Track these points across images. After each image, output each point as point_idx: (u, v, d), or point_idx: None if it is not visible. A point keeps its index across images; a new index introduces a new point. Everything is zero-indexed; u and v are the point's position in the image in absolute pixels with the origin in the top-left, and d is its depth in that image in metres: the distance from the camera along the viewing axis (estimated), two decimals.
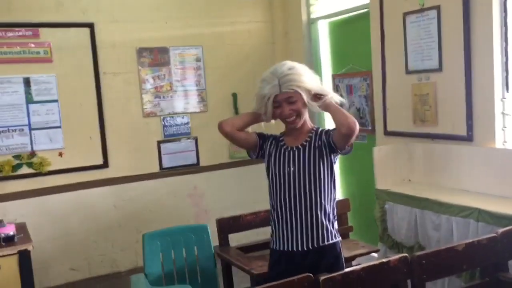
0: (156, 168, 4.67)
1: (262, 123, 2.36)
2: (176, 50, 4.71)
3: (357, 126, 2.09)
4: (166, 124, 4.70)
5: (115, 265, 4.51)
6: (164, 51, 4.66)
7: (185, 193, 4.79)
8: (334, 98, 2.21)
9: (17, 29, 4.05)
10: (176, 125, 4.75)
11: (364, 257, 3.19)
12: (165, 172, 4.70)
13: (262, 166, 4.77)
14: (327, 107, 2.18)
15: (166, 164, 4.71)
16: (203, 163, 4.86)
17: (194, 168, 4.83)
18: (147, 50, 4.59)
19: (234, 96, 4.90)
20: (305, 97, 2.16)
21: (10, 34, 4.02)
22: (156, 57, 4.63)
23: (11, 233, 2.81)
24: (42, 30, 4.14)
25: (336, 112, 2.15)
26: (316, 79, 2.24)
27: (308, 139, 2.25)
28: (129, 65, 4.53)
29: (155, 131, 4.66)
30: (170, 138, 4.72)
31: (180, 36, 4.71)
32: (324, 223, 2.21)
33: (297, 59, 2.34)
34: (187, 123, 4.79)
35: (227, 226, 3.18)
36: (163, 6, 4.63)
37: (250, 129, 2.36)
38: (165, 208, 4.68)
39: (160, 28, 4.63)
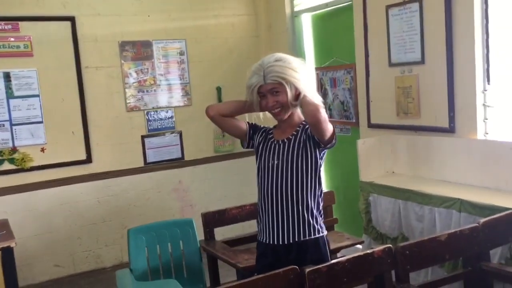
0: (140, 163, 4.65)
1: (260, 114, 2.32)
2: (159, 44, 4.67)
3: (320, 113, 2.04)
4: (150, 118, 4.67)
5: (100, 261, 4.48)
6: (147, 44, 4.61)
7: (170, 188, 4.77)
8: (314, 98, 2.13)
9: None
10: (160, 119, 4.72)
11: (349, 248, 3.21)
12: (149, 166, 4.68)
13: (247, 160, 4.84)
14: (302, 103, 2.16)
15: (150, 158, 4.68)
16: (187, 157, 4.84)
17: (178, 162, 4.81)
18: (130, 44, 4.54)
19: (219, 89, 4.88)
20: (288, 90, 2.13)
21: None
22: (139, 50, 4.59)
23: None
24: (22, 24, 4.08)
25: (306, 104, 2.11)
26: (304, 74, 2.19)
27: (295, 133, 2.23)
28: (112, 59, 4.48)
29: (139, 125, 4.63)
30: (154, 132, 4.69)
31: (163, 29, 4.67)
32: (306, 217, 2.20)
33: (281, 52, 2.31)
34: (171, 117, 4.76)
35: (212, 220, 3.17)
36: None
37: (247, 118, 2.35)
38: (150, 203, 4.67)
39: (143, 22, 4.59)
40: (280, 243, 2.21)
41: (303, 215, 2.20)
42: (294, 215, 2.19)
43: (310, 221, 2.21)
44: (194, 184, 4.87)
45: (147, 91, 4.64)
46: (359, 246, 3.42)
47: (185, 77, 4.79)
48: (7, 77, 4.03)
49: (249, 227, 3.53)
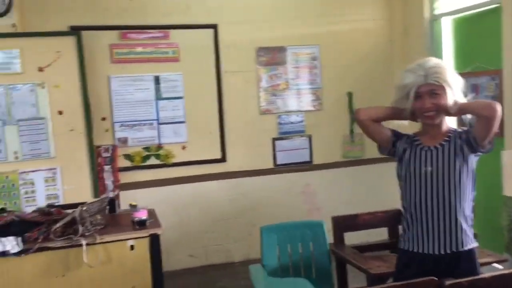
0: (270, 165, 4.81)
1: (405, 122, 2.30)
2: (293, 49, 4.80)
3: (497, 105, 2.01)
4: (281, 121, 4.81)
5: (230, 255, 4.72)
6: (281, 50, 4.77)
7: (297, 190, 4.87)
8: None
9: (150, 31, 4.41)
10: (291, 122, 4.84)
11: (485, 267, 3.00)
12: (279, 168, 4.82)
13: (377, 167, 4.77)
14: (461, 109, 2.12)
15: (280, 161, 4.83)
16: (316, 161, 4.91)
17: (307, 165, 4.89)
18: (265, 50, 4.73)
19: (350, 95, 4.88)
20: (448, 94, 2.10)
21: (144, 36, 4.39)
22: (273, 56, 4.76)
23: (144, 217, 3.07)
24: (171, 32, 4.46)
25: (471, 103, 2.13)
26: (460, 82, 2.17)
27: (447, 138, 2.17)
28: (248, 64, 4.71)
29: (270, 128, 4.79)
30: (284, 135, 4.83)
31: (297, 35, 4.79)
32: (462, 226, 2.12)
33: (417, 58, 2.27)
34: (302, 121, 4.86)
35: (343, 224, 3.19)
36: (281, 6, 4.75)
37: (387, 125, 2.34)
38: (278, 204, 4.80)
39: (278, 28, 4.75)
40: (431, 253, 2.15)
41: (460, 224, 2.12)
42: (452, 224, 2.12)
43: (466, 230, 2.13)
44: (321, 188, 4.91)
45: (279, 95, 4.79)
46: (497, 265, 3.18)
47: (317, 82, 4.86)
48: (157, 80, 4.45)
49: (376, 235, 3.49)
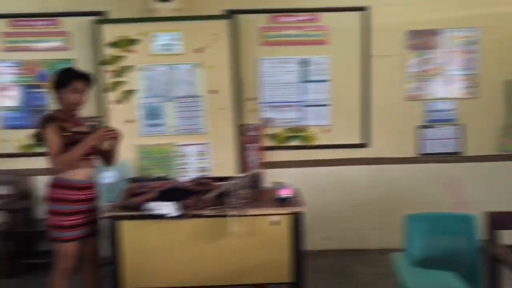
0: (414, 153, 4.62)
1: None
2: (447, 33, 4.51)
3: None
4: (429, 108, 4.58)
5: (365, 242, 4.66)
6: (434, 33, 4.51)
7: (442, 182, 4.61)
8: None
9: (299, 14, 4.47)
10: (440, 110, 4.58)
11: None
12: (424, 157, 4.61)
13: None
14: None
15: (425, 149, 4.61)
16: (466, 152, 4.60)
17: (455, 157, 4.60)
18: (416, 33, 4.51)
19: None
20: None
21: (294, 19, 4.47)
22: (425, 40, 4.53)
23: (289, 195, 3.17)
24: (320, 15, 4.47)
25: None
26: None
27: None
28: (397, 48, 4.54)
29: (417, 115, 4.59)
30: (431, 123, 4.59)
31: (453, 17, 4.49)
32: None
33: None
34: (452, 109, 4.57)
35: (498, 221, 2.95)
36: None
37: None
38: (420, 194, 4.60)
39: (432, 10, 4.49)
40: None
41: None
42: None
43: None
44: (470, 181, 4.59)
45: (429, 81, 4.55)
46: None
47: (473, 67, 4.52)
48: (304, 62, 4.51)
49: None
